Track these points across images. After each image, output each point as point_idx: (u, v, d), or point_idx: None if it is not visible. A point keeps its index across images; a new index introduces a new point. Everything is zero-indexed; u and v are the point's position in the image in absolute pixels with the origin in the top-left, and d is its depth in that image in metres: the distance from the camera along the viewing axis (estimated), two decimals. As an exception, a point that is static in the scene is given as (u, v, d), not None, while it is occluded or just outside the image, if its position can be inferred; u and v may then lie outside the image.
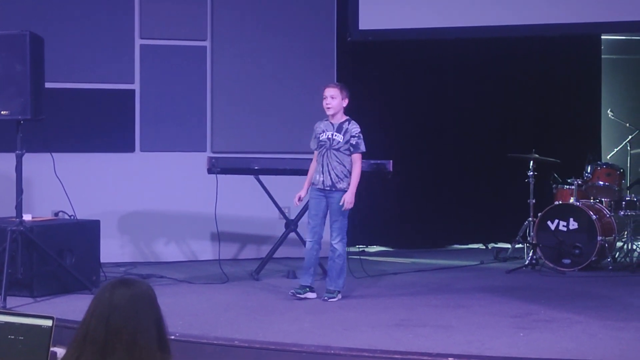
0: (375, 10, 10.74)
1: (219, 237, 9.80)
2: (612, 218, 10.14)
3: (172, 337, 5.99)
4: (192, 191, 10.51)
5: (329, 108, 8.21)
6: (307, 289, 8.27)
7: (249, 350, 6.24)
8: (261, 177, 9.76)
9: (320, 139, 8.25)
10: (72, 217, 8.89)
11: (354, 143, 8.14)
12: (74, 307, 7.17)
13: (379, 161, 9.56)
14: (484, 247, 11.91)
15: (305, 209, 9.37)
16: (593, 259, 9.86)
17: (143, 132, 10.64)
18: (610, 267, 9.95)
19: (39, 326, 3.87)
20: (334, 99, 8.19)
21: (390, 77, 11.71)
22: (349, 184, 8.14)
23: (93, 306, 3.17)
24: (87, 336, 3.11)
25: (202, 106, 10.79)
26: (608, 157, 11.85)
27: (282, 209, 9.93)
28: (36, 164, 9.11)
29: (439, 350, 6.10)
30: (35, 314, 3.99)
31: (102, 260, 8.94)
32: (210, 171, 9.59)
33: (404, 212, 11.77)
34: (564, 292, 8.70)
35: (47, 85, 8.50)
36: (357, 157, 8.17)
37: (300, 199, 8.41)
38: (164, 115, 10.65)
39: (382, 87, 11.68)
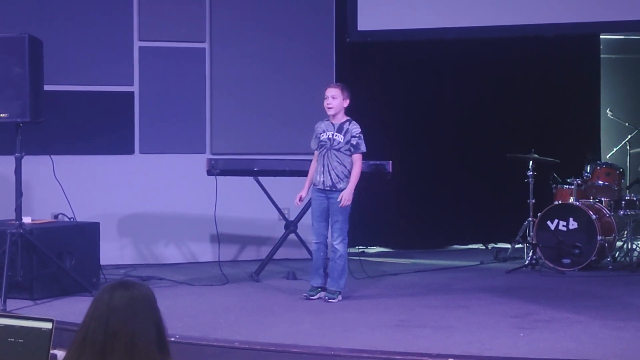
0: (373, 11, 10.74)
1: (218, 239, 9.81)
2: (612, 218, 10.14)
3: (172, 338, 6.01)
4: (192, 193, 10.51)
5: (330, 108, 8.21)
6: (319, 290, 8.31)
7: (249, 352, 6.24)
8: (261, 178, 9.77)
9: (321, 139, 8.25)
10: (72, 220, 8.88)
11: (354, 143, 8.15)
12: (74, 309, 7.18)
13: (378, 162, 9.56)
14: (483, 248, 11.90)
15: (304, 210, 9.38)
16: (593, 258, 9.86)
17: (142, 134, 10.64)
18: (610, 267, 9.95)
19: (39, 329, 3.87)
20: (335, 99, 8.20)
21: (390, 77, 11.71)
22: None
23: (92, 308, 3.17)
24: (86, 338, 3.11)
25: (201, 108, 10.79)
26: (607, 156, 11.85)
27: (282, 210, 9.93)
28: (35, 166, 9.11)
29: (439, 351, 6.09)
30: (35, 316, 3.99)
31: (101, 263, 8.94)
32: (209, 173, 9.60)
33: (403, 213, 11.77)
34: (564, 292, 8.70)
35: (46, 87, 8.50)
36: (357, 158, 8.18)
37: (301, 199, 8.41)
38: (164, 117, 10.65)
39: (381, 88, 11.68)
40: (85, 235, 8.77)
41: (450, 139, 11.94)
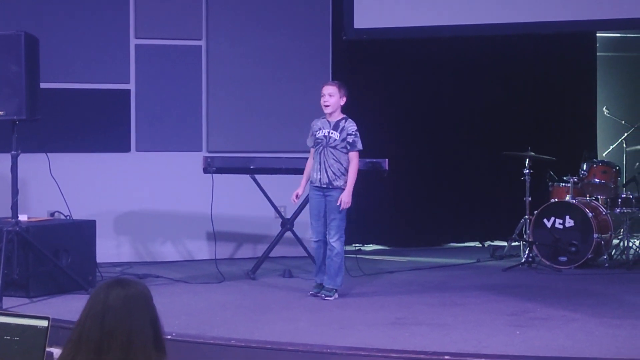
0: (370, 8, 10.74)
1: (215, 237, 9.81)
2: (608, 215, 10.15)
3: (169, 336, 6.00)
4: (188, 191, 10.50)
5: (327, 106, 8.21)
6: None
7: (245, 350, 6.24)
8: (257, 176, 9.77)
9: (317, 136, 8.25)
10: (68, 217, 8.89)
11: (350, 141, 8.15)
12: (70, 307, 7.17)
13: (374, 160, 9.56)
14: (480, 245, 11.90)
15: (301, 208, 9.39)
16: (589, 256, 9.86)
17: (139, 132, 10.63)
18: (607, 265, 9.97)
19: (35, 327, 3.86)
20: (332, 97, 8.20)
21: (386, 75, 11.70)
22: (345, 182, 8.14)
23: (88, 306, 3.16)
24: (82, 336, 3.11)
25: (197, 106, 10.78)
26: (604, 154, 11.86)
27: (278, 208, 9.93)
28: (32, 164, 9.09)
29: (435, 349, 6.10)
30: (31, 314, 3.99)
31: (98, 261, 8.94)
32: (206, 171, 9.59)
33: (400, 211, 11.76)
34: (561, 290, 8.71)
35: (43, 85, 8.49)
36: (353, 155, 8.18)
37: (297, 197, 8.42)
38: (160, 115, 10.64)
39: (377, 86, 11.67)
40: (81, 233, 8.77)
41: (447, 137, 11.94)
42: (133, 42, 10.61)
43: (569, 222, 10.03)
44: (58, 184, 8.56)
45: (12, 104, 7.97)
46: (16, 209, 8.13)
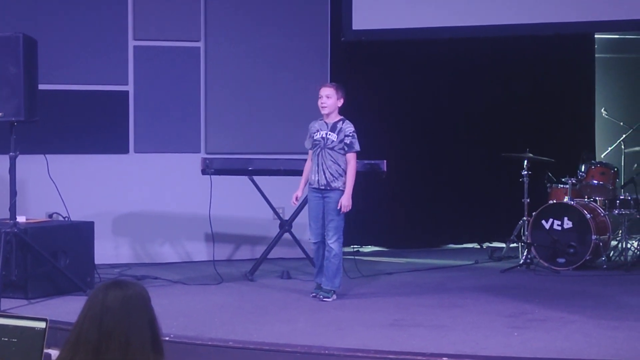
0: (368, 10, 10.75)
1: (213, 238, 9.81)
2: (607, 217, 10.15)
3: (167, 338, 6.01)
4: (187, 192, 10.50)
5: (324, 107, 8.22)
6: None
7: (243, 351, 6.24)
8: (255, 177, 9.77)
9: (315, 138, 8.26)
10: (66, 219, 8.87)
11: (348, 142, 8.15)
12: (69, 308, 7.17)
13: (372, 161, 9.57)
14: (478, 247, 11.91)
15: (299, 209, 9.39)
16: (587, 258, 9.86)
17: (137, 134, 10.63)
18: (605, 266, 9.97)
19: (33, 328, 3.86)
20: (329, 99, 8.21)
21: (385, 76, 11.71)
22: (344, 183, 8.15)
23: (86, 308, 3.16)
24: (80, 338, 3.11)
25: (196, 107, 10.78)
26: (602, 156, 11.86)
27: (277, 210, 9.93)
28: (30, 165, 9.09)
29: (433, 350, 6.10)
30: (29, 315, 3.99)
31: (96, 262, 8.93)
32: (204, 172, 9.59)
33: (398, 212, 11.77)
34: (559, 292, 8.71)
35: (41, 86, 8.49)
36: (351, 157, 8.18)
37: (297, 199, 8.43)
38: (158, 117, 10.64)
39: (376, 87, 11.68)
40: (79, 235, 8.77)
41: (445, 139, 11.94)
42: (131, 43, 10.60)
43: (567, 224, 10.03)
44: (56, 186, 8.55)
45: (11, 106, 7.96)
46: (14, 210, 8.13)
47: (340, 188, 8.14)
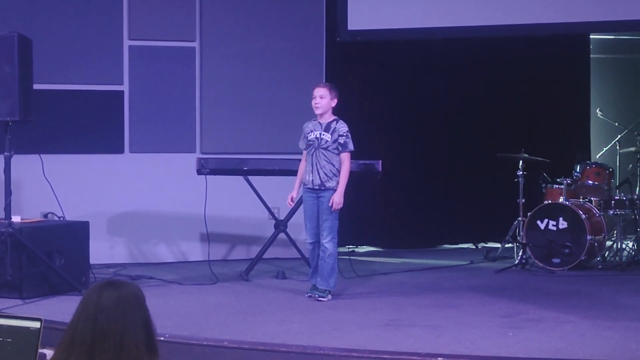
0: (364, 10, 10.74)
1: (208, 238, 9.80)
2: (602, 217, 10.15)
3: (162, 338, 6.00)
4: (182, 192, 10.49)
5: (317, 108, 8.23)
6: None
7: (238, 351, 6.24)
8: (251, 177, 9.77)
9: (309, 138, 8.27)
10: (61, 219, 8.87)
11: (342, 142, 8.16)
12: (64, 308, 7.15)
13: (368, 161, 9.57)
14: (473, 247, 11.90)
15: (294, 209, 9.38)
16: (582, 258, 9.87)
17: (132, 133, 10.62)
18: (600, 267, 9.98)
19: (27, 328, 3.86)
20: (323, 99, 8.22)
21: (380, 77, 11.71)
22: (338, 183, 8.15)
23: (80, 308, 3.16)
24: (74, 338, 3.11)
25: (191, 107, 10.77)
26: (597, 156, 11.85)
27: (272, 210, 9.92)
28: (25, 165, 9.08)
29: (428, 350, 6.10)
30: (24, 315, 3.98)
31: (91, 262, 8.92)
32: (199, 172, 9.59)
33: (393, 212, 11.76)
34: (554, 292, 8.72)
35: (36, 86, 8.49)
36: (345, 156, 8.19)
37: (292, 200, 8.43)
38: (153, 117, 10.63)
39: (371, 87, 11.67)
40: (74, 235, 8.76)
41: (440, 139, 11.94)
42: (126, 43, 10.59)
43: (563, 224, 10.04)
44: (51, 185, 8.55)
45: (5, 105, 7.96)
46: (9, 210, 8.13)
47: (335, 188, 8.15)
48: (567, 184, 10.21)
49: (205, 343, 6.38)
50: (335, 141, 8.18)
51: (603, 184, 10.22)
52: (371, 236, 11.87)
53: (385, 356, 5.97)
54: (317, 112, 8.25)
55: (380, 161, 9.63)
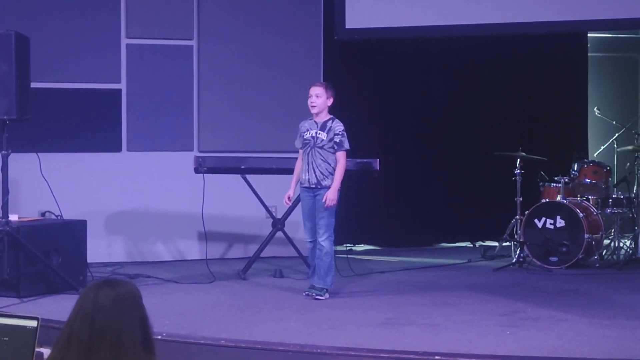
0: (361, 8, 10.73)
1: (206, 237, 9.80)
2: (599, 216, 10.16)
3: (159, 336, 6.00)
4: (179, 191, 10.48)
5: (313, 107, 8.24)
6: None
7: (235, 350, 6.24)
8: (248, 176, 9.76)
9: (305, 137, 8.28)
10: (59, 217, 8.87)
11: (337, 141, 8.16)
12: (61, 307, 7.14)
13: (365, 160, 9.57)
14: (471, 245, 11.91)
15: (292, 208, 9.37)
16: (580, 256, 9.87)
17: (130, 132, 10.62)
18: (597, 265, 9.98)
19: (24, 327, 3.86)
20: (319, 98, 8.22)
21: (378, 75, 11.70)
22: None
23: (77, 307, 3.16)
24: (71, 337, 3.11)
25: (188, 105, 10.77)
26: (595, 154, 11.86)
27: (269, 208, 9.92)
28: (22, 164, 9.07)
29: (426, 349, 6.10)
30: (20, 314, 3.98)
31: (89, 261, 8.92)
32: (197, 170, 9.59)
33: (391, 211, 11.76)
34: (551, 290, 8.72)
35: (33, 85, 8.48)
36: (341, 155, 8.19)
37: (289, 199, 8.43)
38: (151, 115, 10.63)
39: (369, 86, 11.67)
40: (72, 233, 8.75)
41: (438, 137, 11.94)
42: (124, 41, 10.59)
43: (560, 223, 10.04)
44: (49, 184, 8.54)
45: (2, 104, 7.96)
46: (6, 209, 8.12)
47: (330, 186, 8.15)
48: (565, 182, 10.21)
49: (202, 342, 6.37)
50: (331, 140, 8.17)
51: (600, 183, 10.22)
52: (369, 235, 11.86)
53: (382, 355, 5.97)
54: (313, 111, 8.25)
55: (378, 160, 9.63)
